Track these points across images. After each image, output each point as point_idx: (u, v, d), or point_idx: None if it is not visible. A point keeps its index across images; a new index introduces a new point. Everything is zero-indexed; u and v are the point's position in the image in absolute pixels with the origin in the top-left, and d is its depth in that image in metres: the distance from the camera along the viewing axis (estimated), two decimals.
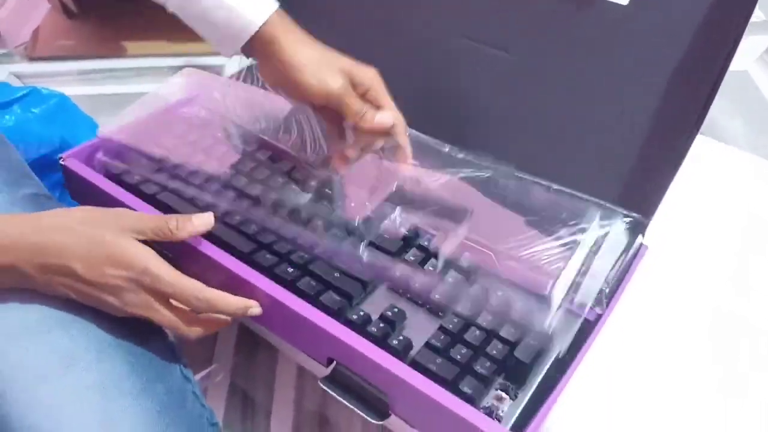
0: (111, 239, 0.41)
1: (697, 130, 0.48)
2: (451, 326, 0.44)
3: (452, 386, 0.41)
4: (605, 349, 0.47)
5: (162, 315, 0.43)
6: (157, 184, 0.55)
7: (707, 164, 0.80)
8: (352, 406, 0.44)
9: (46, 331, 0.40)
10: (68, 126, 0.68)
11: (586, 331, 0.45)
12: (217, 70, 0.98)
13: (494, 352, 0.43)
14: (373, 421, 0.43)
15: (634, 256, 0.50)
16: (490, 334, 0.44)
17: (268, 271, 0.48)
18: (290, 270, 0.48)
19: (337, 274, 0.48)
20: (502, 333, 0.44)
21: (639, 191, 0.51)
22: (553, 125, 0.55)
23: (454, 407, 0.39)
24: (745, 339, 0.60)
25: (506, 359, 0.43)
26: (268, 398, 0.58)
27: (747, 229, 0.72)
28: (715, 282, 0.65)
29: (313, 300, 0.46)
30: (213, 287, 0.45)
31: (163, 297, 0.43)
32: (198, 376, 0.59)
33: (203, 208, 0.53)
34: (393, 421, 0.44)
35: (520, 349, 0.43)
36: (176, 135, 0.62)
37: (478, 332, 0.44)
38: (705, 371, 0.58)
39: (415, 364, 0.42)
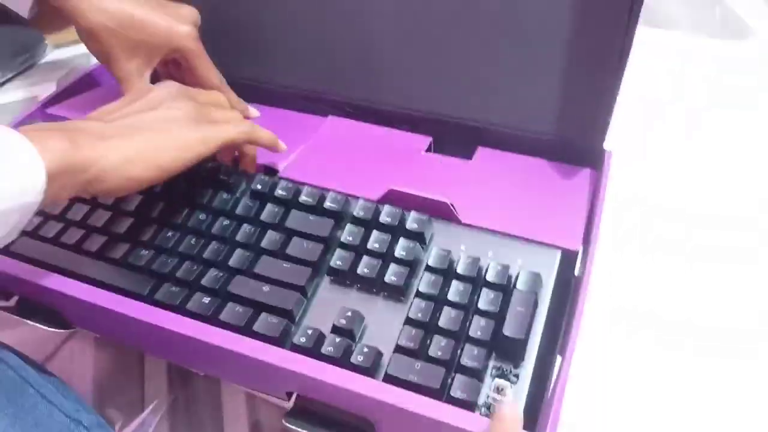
0: None
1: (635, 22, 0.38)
2: (420, 315, 0.36)
3: (442, 394, 0.33)
4: (602, 289, 0.39)
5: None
6: None
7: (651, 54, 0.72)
8: None
9: None
10: None
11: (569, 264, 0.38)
12: None
13: (479, 333, 0.35)
14: None
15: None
16: (468, 310, 0.36)
17: (179, 310, 0.37)
18: (206, 301, 0.38)
19: (266, 288, 0.38)
20: (482, 305, 0.36)
21: (583, 106, 0.43)
22: (468, 59, 0.46)
23: (451, 420, 0.32)
24: None
25: (494, 336, 0.35)
26: None
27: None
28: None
29: (245, 332, 0.36)
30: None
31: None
32: (131, 427, 0.48)
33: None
34: None
35: (509, 325, 0.35)
36: None
37: (453, 312, 0.36)
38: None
39: (390, 379, 0.34)
